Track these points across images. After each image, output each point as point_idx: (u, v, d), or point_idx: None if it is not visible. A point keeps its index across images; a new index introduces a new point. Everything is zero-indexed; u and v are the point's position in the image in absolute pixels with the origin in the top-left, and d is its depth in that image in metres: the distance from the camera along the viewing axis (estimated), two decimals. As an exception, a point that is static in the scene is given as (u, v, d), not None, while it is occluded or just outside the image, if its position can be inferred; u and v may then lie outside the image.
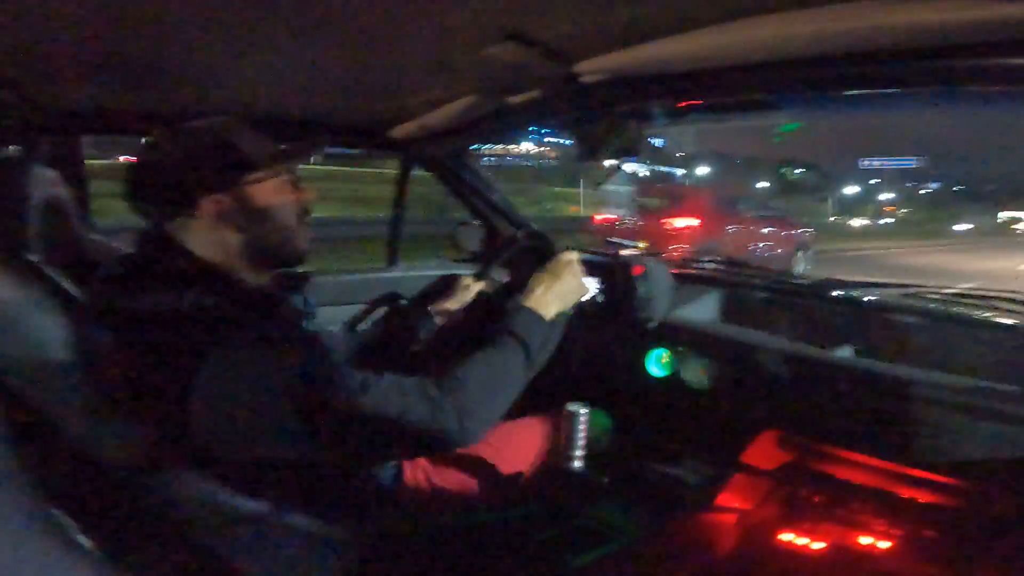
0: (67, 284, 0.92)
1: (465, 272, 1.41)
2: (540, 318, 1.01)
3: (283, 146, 0.94)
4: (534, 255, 1.37)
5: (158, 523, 0.81)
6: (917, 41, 0.79)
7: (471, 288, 1.40)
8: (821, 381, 1.21)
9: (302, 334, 0.93)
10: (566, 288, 1.08)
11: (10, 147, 1.29)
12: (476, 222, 2.04)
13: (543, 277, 1.08)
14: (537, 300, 1.04)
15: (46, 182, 1.07)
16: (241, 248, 0.90)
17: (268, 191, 0.91)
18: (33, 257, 0.96)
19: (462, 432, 0.86)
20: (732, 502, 1.08)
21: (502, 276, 1.43)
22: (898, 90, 0.94)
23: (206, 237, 0.88)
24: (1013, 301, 1.20)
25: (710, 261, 1.80)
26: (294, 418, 0.78)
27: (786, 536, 0.94)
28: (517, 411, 1.22)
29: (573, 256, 1.14)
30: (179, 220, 0.87)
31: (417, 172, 1.98)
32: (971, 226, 36.45)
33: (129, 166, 0.88)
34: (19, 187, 0.95)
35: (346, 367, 0.85)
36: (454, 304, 1.38)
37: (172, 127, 0.90)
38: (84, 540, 0.75)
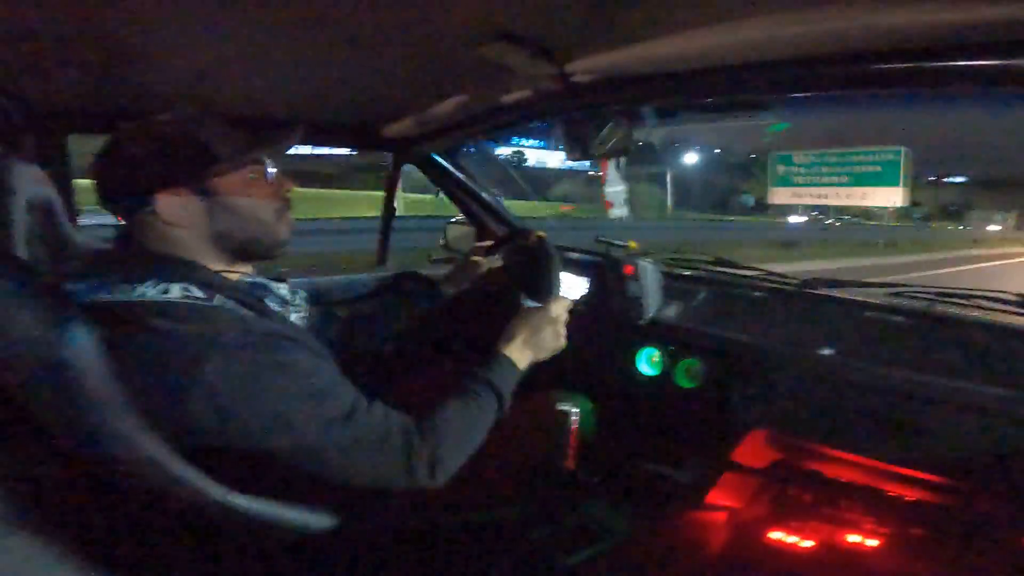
0: (54, 281, 0.91)
1: None
2: (515, 367, 1.06)
3: (254, 139, 0.92)
4: (527, 254, 1.39)
5: (149, 521, 0.81)
6: (908, 42, 0.80)
7: (482, 265, 1.50)
8: (810, 380, 1.22)
9: (296, 336, 0.93)
10: (545, 342, 1.12)
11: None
12: (466, 221, 2.04)
13: (525, 326, 1.12)
14: (515, 349, 1.08)
15: (32, 180, 1.06)
16: (210, 242, 0.89)
17: (235, 185, 0.89)
18: (19, 254, 0.95)
19: (430, 479, 0.90)
20: (722, 500, 1.08)
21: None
22: (889, 90, 0.94)
23: (172, 232, 0.86)
24: (998, 300, 1.21)
25: (700, 260, 1.81)
26: (280, 422, 0.79)
27: (775, 534, 0.95)
28: (508, 410, 1.22)
29: (560, 311, 1.17)
30: (142, 215, 0.86)
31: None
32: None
33: (94, 162, 0.86)
34: (5, 184, 0.93)
35: (342, 384, 0.86)
36: (464, 279, 1.47)
37: (138, 122, 0.87)
38: (72, 539, 0.74)
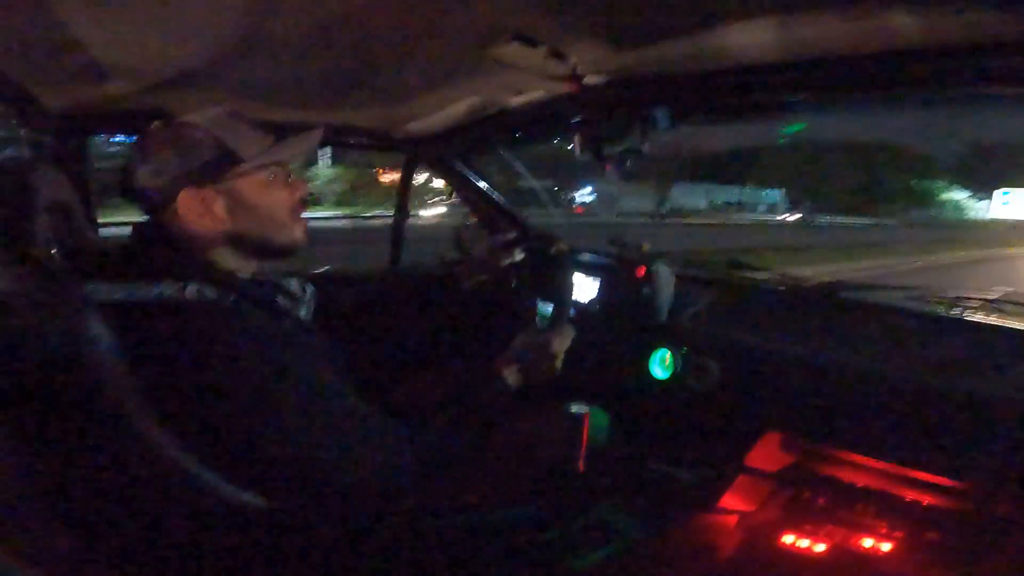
0: (73, 283, 0.93)
1: None
2: (508, 388, 1.11)
3: (275, 140, 0.95)
4: (548, 260, 1.39)
5: (156, 517, 0.82)
6: (922, 42, 0.79)
7: (515, 252, 1.50)
8: (825, 383, 1.21)
9: (303, 337, 0.94)
10: (542, 369, 1.17)
11: (15, 148, 1.30)
12: (478, 223, 2.05)
13: (528, 349, 1.17)
14: (512, 371, 1.13)
15: (52, 183, 1.08)
16: (228, 241, 0.91)
17: (255, 186, 0.91)
18: (40, 256, 0.96)
19: (412, 490, 0.94)
20: (735, 504, 1.08)
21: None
22: (903, 91, 0.93)
23: (191, 229, 0.88)
24: (1020, 305, 1.19)
25: (713, 263, 1.80)
26: (283, 423, 0.81)
27: (789, 538, 0.94)
28: (520, 412, 1.22)
29: (567, 342, 1.23)
30: (166, 213, 0.88)
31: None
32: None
33: (124, 159, 0.89)
34: (25, 187, 0.95)
35: (344, 386, 0.89)
36: (480, 272, 1.47)
37: (164, 122, 0.90)
38: (83, 534, 0.75)
